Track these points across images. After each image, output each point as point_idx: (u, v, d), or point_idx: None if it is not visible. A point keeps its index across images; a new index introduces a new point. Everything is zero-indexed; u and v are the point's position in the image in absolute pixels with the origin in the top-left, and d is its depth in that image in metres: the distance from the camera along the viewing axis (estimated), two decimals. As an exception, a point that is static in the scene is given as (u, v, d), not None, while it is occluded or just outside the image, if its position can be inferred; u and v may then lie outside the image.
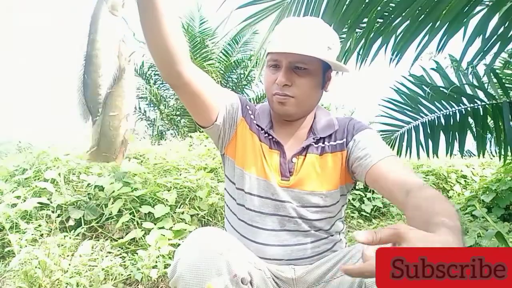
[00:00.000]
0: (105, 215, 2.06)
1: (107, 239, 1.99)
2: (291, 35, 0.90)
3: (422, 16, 1.56)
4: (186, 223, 2.07)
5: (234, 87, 8.07)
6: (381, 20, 1.77)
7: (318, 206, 0.96)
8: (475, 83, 2.25)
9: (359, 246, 0.89)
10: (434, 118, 2.39)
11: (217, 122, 0.94)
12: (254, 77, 7.81)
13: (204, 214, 2.24)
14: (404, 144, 2.62)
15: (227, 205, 1.05)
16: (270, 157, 0.96)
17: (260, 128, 0.99)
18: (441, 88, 2.20)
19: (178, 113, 7.76)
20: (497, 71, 2.33)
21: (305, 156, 0.96)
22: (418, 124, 2.49)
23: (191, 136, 4.25)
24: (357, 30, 1.95)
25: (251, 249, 0.94)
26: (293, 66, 0.90)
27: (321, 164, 0.95)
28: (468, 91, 2.21)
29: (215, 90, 0.95)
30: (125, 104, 0.68)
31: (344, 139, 0.96)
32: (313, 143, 0.96)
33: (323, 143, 0.97)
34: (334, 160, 0.96)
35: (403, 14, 1.64)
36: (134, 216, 2.05)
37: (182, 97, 0.91)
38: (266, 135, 0.98)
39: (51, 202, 2.04)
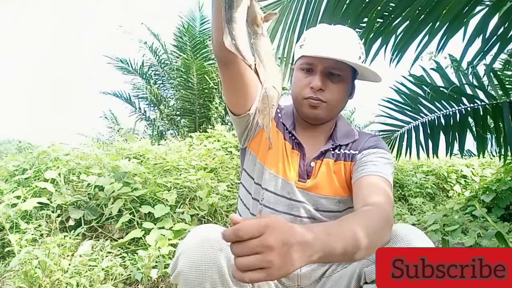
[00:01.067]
0: (105, 215, 2.06)
1: (107, 239, 1.99)
2: (327, 41, 0.92)
3: (422, 16, 1.56)
4: (186, 223, 2.07)
5: (234, 87, 8.05)
6: (381, 20, 1.77)
7: (332, 211, 0.97)
8: (475, 83, 2.25)
9: None
10: (434, 118, 2.39)
11: (250, 111, 0.95)
12: (254, 77, 7.79)
13: (204, 214, 2.24)
14: (404, 144, 2.62)
15: (240, 199, 1.06)
16: (291, 157, 0.97)
17: (285, 127, 1.00)
18: (441, 88, 2.20)
19: (178, 113, 7.75)
20: (497, 71, 2.33)
21: (322, 160, 0.97)
22: (418, 124, 2.48)
23: (191, 136, 4.24)
24: (357, 30, 1.94)
25: None
26: (327, 72, 0.91)
27: (335, 170, 0.97)
28: (468, 91, 2.21)
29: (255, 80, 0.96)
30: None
31: (357, 151, 0.98)
32: (331, 149, 0.98)
33: (339, 150, 0.98)
34: (346, 168, 0.97)
35: (403, 14, 1.64)
36: (134, 216, 2.05)
37: (226, 76, 0.89)
38: (290, 135, 0.99)
39: (51, 202, 2.04)
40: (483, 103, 2.18)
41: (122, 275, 1.68)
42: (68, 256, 1.77)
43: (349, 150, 0.98)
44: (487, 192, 2.84)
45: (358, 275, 0.83)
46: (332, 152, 0.98)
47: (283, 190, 0.96)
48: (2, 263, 1.81)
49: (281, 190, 0.96)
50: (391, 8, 1.71)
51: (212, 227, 0.81)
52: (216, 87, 7.02)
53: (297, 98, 0.96)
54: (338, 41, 0.92)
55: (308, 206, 0.96)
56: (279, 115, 1.02)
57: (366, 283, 0.81)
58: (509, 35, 1.47)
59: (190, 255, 0.73)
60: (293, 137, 0.99)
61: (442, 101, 2.27)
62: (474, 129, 2.30)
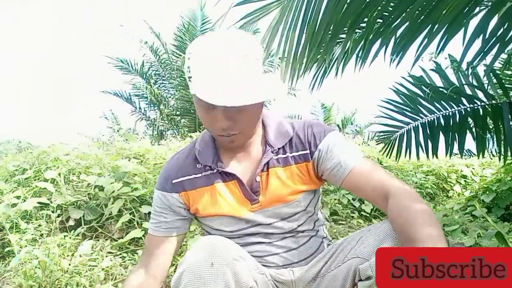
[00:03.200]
0: (105, 215, 2.06)
1: (107, 239, 1.99)
2: (219, 81, 0.75)
3: (422, 17, 1.56)
4: (186, 223, 2.07)
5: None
6: (381, 21, 1.77)
7: (296, 213, 0.95)
8: (475, 83, 2.25)
9: (348, 240, 0.91)
10: (434, 118, 2.39)
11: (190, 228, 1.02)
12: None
13: (204, 214, 2.24)
14: (404, 144, 2.62)
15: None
16: (229, 191, 0.92)
17: (207, 168, 0.93)
18: (441, 89, 2.20)
19: (178, 113, 7.76)
20: (497, 71, 2.33)
21: (268, 171, 0.92)
22: (418, 124, 2.48)
23: (191, 136, 4.25)
24: (356, 30, 1.95)
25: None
26: (229, 108, 0.78)
27: (286, 175, 0.92)
28: (468, 91, 2.21)
29: (174, 241, 0.99)
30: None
31: (307, 150, 0.92)
32: (273, 157, 0.92)
33: (284, 153, 0.93)
34: (299, 171, 0.93)
35: (403, 15, 1.64)
36: (134, 216, 2.05)
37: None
38: (215, 171, 0.93)
39: (51, 202, 2.04)
40: (483, 103, 2.18)
41: (122, 275, 1.68)
42: (68, 256, 1.77)
43: (297, 152, 0.93)
44: (487, 192, 2.84)
45: (353, 273, 0.83)
46: (276, 158, 0.92)
47: (239, 224, 0.93)
48: (2, 263, 1.81)
49: (238, 225, 0.93)
50: (391, 9, 1.71)
51: (217, 240, 0.79)
52: (216, 87, 7.01)
53: (211, 133, 0.91)
54: (229, 77, 0.75)
55: (274, 223, 0.93)
56: (190, 176, 0.94)
57: (360, 280, 0.81)
58: (509, 36, 1.48)
59: (196, 271, 0.71)
60: (220, 171, 0.92)
61: (442, 101, 2.27)
62: (474, 129, 2.30)
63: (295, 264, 0.96)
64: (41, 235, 1.86)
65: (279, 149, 0.93)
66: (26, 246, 1.72)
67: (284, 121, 0.97)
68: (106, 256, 1.80)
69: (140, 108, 8.21)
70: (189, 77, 0.80)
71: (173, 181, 0.94)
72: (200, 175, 0.94)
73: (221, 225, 0.94)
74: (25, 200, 2.04)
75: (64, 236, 1.89)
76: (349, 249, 0.87)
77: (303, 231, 0.98)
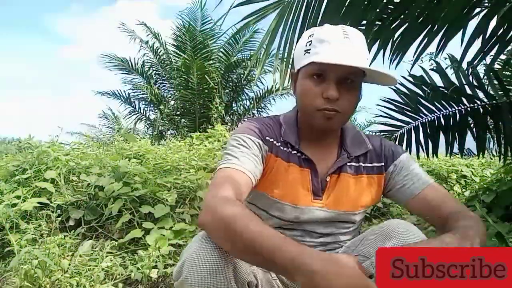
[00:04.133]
0: (105, 215, 2.07)
1: (107, 239, 1.99)
2: (339, 45, 0.83)
3: (422, 17, 1.57)
4: (186, 223, 2.07)
5: (234, 87, 8.07)
6: (381, 21, 1.77)
7: (346, 222, 0.95)
8: (475, 83, 2.25)
9: (353, 241, 0.93)
10: (434, 118, 2.39)
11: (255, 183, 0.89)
12: (254, 77, 7.81)
13: (204, 214, 2.24)
14: (404, 144, 2.62)
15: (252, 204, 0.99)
16: (301, 176, 0.92)
17: (288, 146, 0.93)
18: (441, 89, 2.20)
19: (178, 113, 7.76)
20: (497, 72, 2.33)
21: (339, 175, 0.93)
22: (418, 124, 2.48)
23: (191, 136, 4.25)
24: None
25: None
26: (341, 79, 0.83)
27: (355, 184, 0.93)
28: (468, 91, 2.21)
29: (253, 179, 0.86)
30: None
31: (383, 164, 0.95)
32: (347, 162, 0.93)
33: (357, 162, 0.94)
34: (369, 182, 0.94)
35: (403, 15, 1.64)
36: (134, 216, 2.05)
37: None
38: (295, 152, 0.93)
39: (51, 202, 2.04)
40: (483, 103, 2.18)
41: (122, 275, 1.68)
42: (68, 256, 1.77)
43: (370, 163, 0.94)
44: (487, 192, 2.83)
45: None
46: (349, 165, 0.93)
47: (291, 215, 0.91)
48: (2, 263, 1.81)
49: (290, 216, 0.92)
50: (391, 9, 1.71)
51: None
52: (216, 87, 7.02)
53: (308, 110, 0.87)
54: (350, 45, 0.84)
55: (322, 224, 0.93)
56: (275, 143, 0.93)
57: None
58: (509, 36, 1.48)
59: (196, 262, 0.71)
60: (299, 154, 0.92)
61: (442, 101, 2.27)
62: (474, 129, 2.30)
63: None
64: (41, 235, 1.86)
65: (355, 157, 0.94)
66: (26, 246, 1.72)
67: (361, 132, 0.99)
68: (106, 256, 1.80)
69: (140, 108, 8.22)
70: (307, 50, 0.85)
71: (266, 138, 0.91)
72: (282, 148, 0.93)
73: (276, 210, 0.92)
74: (25, 200, 2.04)
75: (64, 236, 1.89)
76: (352, 249, 0.89)
77: (338, 240, 0.96)
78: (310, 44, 0.86)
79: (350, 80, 0.84)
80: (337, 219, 0.93)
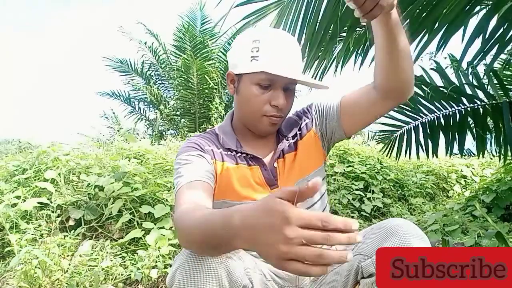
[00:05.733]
0: (105, 215, 2.06)
1: (107, 239, 1.99)
2: (288, 57, 0.89)
3: (422, 16, 1.56)
4: (186, 223, 2.07)
5: (234, 87, 8.06)
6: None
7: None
8: (475, 83, 2.25)
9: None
10: (434, 118, 2.39)
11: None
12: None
13: (204, 214, 2.25)
14: (404, 144, 2.62)
15: None
16: (252, 174, 0.95)
17: (231, 151, 0.96)
18: (441, 88, 2.20)
19: (178, 113, 7.76)
20: (497, 71, 2.33)
21: (284, 157, 0.98)
22: (418, 124, 2.48)
23: (191, 136, 4.24)
24: (357, 29, 1.95)
25: (252, 253, 0.93)
26: (285, 87, 0.90)
27: (299, 155, 0.98)
28: (468, 91, 2.21)
29: (208, 187, 0.87)
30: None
31: (306, 120, 1.01)
32: (286, 145, 0.99)
33: (294, 138, 1.00)
34: (308, 143, 0.99)
35: (403, 14, 1.64)
36: (134, 216, 2.05)
37: None
38: (239, 154, 0.96)
39: (51, 202, 2.04)
40: (483, 103, 2.18)
41: (122, 275, 1.68)
42: (68, 256, 1.78)
43: (301, 129, 1.01)
44: (487, 192, 2.84)
45: (355, 271, 0.84)
46: (288, 144, 0.99)
47: None
48: (2, 263, 1.81)
49: None
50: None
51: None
52: (216, 87, 7.02)
53: (254, 116, 0.92)
54: (294, 55, 0.91)
55: None
56: (216, 149, 0.95)
57: (363, 277, 0.82)
58: (509, 36, 1.48)
59: (188, 268, 0.71)
60: (245, 155, 0.96)
61: (442, 101, 2.27)
62: (474, 129, 2.30)
63: None
64: (41, 235, 1.86)
65: (291, 137, 1.00)
66: (26, 246, 1.72)
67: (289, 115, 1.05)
68: (106, 256, 1.80)
69: (140, 108, 8.22)
70: (254, 57, 0.88)
71: (205, 148, 0.94)
72: (226, 153, 0.96)
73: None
74: (25, 200, 2.04)
75: (64, 236, 1.90)
76: (352, 247, 0.89)
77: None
78: (257, 51, 0.88)
79: (291, 88, 0.92)
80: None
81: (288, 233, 0.46)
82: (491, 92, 2.20)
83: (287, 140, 0.99)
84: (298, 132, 1.01)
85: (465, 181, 4.30)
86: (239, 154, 0.96)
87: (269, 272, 0.93)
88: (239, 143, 0.97)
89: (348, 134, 1.00)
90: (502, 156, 2.30)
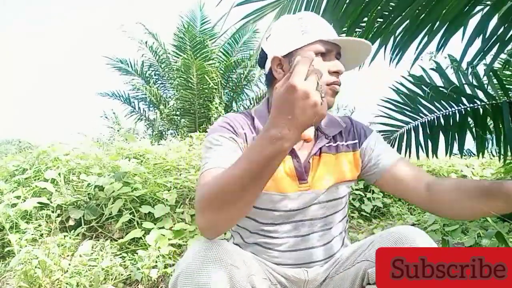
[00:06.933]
0: (105, 215, 2.06)
1: (107, 239, 1.99)
2: (331, 28, 0.92)
3: (422, 16, 1.56)
4: (186, 223, 2.07)
5: (234, 87, 8.07)
6: (381, 20, 1.77)
7: (333, 199, 0.95)
8: (475, 83, 2.25)
9: (360, 244, 0.92)
10: (434, 118, 2.39)
11: None
12: (254, 77, 7.81)
13: (204, 214, 2.24)
14: (404, 144, 2.62)
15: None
16: (283, 164, 0.90)
17: None
18: (441, 88, 2.20)
19: (178, 113, 7.75)
20: (497, 71, 2.33)
21: (320, 155, 0.94)
22: (418, 124, 2.48)
23: (191, 136, 4.25)
24: (356, 29, 1.95)
25: (263, 256, 0.93)
26: (336, 55, 0.90)
27: (336, 161, 0.95)
28: (468, 91, 2.21)
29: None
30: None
31: (357, 140, 0.98)
32: (326, 143, 0.95)
33: (335, 142, 0.97)
34: (347, 160, 0.97)
35: (403, 13, 1.64)
36: (134, 216, 2.05)
37: None
38: None
39: (51, 202, 2.04)
40: (483, 103, 2.17)
41: (122, 275, 1.68)
42: (68, 256, 1.78)
43: (346, 141, 0.98)
44: (487, 192, 2.83)
45: (361, 276, 0.83)
46: (328, 145, 0.95)
47: (280, 204, 0.90)
48: (2, 263, 1.81)
49: (278, 205, 0.90)
50: (391, 8, 1.71)
51: (214, 243, 0.76)
52: (216, 87, 7.02)
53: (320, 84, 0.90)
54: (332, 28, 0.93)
55: (311, 207, 0.92)
56: (251, 133, 0.92)
57: (369, 284, 0.82)
58: (509, 35, 1.47)
59: (190, 274, 0.70)
60: None
61: (442, 101, 2.27)
62: (474, 129, 2.29)
63: (312, 264, 0.95)
64: (41, 235, 1.86)
65: (333, 137, 0.96)
66: (26, 246, 1.72)
67: (330, 114, 1.01)
68: (106, 256, 1.80)
69: (139, 108, 8.21)
70: (304, 31, 0.88)
71: (238, 131, 0.90)
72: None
73: (266, 203, 0.90)
74: (25, 200, 2.04)
75: (64, 236, 1.90)
76: (359, 253, 0.89)
77: (330, 227, 0.96)
78: (304, 26, 0.89)
79: (339, 57, 0.91)
80: (324, 199, 0.93)
81: (313, 99, 0.59)
82: (491, 92, 2.20)
83: (327, 138, 0.95)
84: (341, 142, 0.97)
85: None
86: None
87: (277, 275, 0.93)
88: None
89: (373, 185, 1.00)
90: (502, 156, 2.30)
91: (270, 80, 0.95)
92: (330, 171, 0.94)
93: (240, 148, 0.88)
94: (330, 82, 0.87)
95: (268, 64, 0.94)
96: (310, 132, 0.65)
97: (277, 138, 0.61)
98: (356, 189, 3.35)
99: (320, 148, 0.94)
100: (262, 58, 0.96)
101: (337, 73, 0.88)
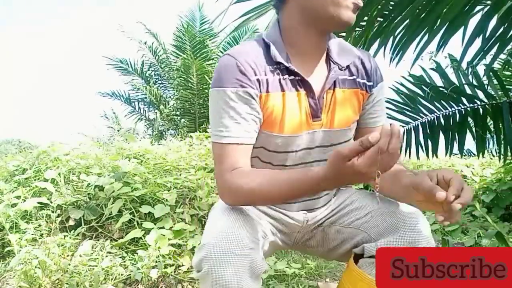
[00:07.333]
0: (105, 215, 2.06)
1: (107, 239, 1.99)
2: None
3: (422, 16, 1.56)
4: (186, 223, 2.07)
5: (234, 87, 8.06)
6: (381, 19, 1.77)
7: (346, 141, 0.91)
8: (475, 83, 2.25)
9: (355, 205, 0.96)
10: (434, 118, 2.39)
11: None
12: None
13: (204, 214, 2.24)
14: (404, 144, 2.62)
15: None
16: (298, 101, 0.85)
17: (279, 69, 0.84)
18: (441, 88, 2.20)
19: (178, 113, 7.76)
20: (497, 71, 2.33)
21: (334, 90, 0.87)
22: (418, 124, 2.48)
23: (191, 136, 4.24)
24: (356, 29, 1.94)
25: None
26: None
27: (347, 99, 0.89)
28: (468, 91, 2.21)
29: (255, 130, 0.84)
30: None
31: (371, 83, 0.92)
32: (340, 76, 0.88)
33: (351, 75, 0.90)
34: (358, 97, 0.91)
35: (403, 13, 1.64)
36: (134, 216, 2.05)
37: None
38: (286, 76, 0.84)
39: (51, 202, 2.04)
40: (483, 103, 2.17)
41: (122, 275, 1.68)
42: (68, 256, 1.77)
43: (362, 79, 0.91)
44: (487, 192, 2.84)
45: (354, 242, 0.89)
46: (342, 78, 0.88)
47: (292, 146, 0.87)
48: (2, 263, 1.81)
49: (291, 146, 0.87)
50: (391, 7, 1.71)
51: (233, 218, 0.79)
52: (216, 87, 7.02)
53: (340, 9, 0.80)
54: None
55: (322, 149, 0.89)
56: (265, 75, 0.83)
57: (362, 256, 0.85)
58: (509, 35, 1.47)
59: (214, 258, 0.72)
60: (292, 77, 0.84)
61: (442, 101, 2.27)
62: (474, 129, 2.29)
63: (311, 211, 0.96)
64: (41, 235, 1.86)
65: (345, 68, 0.89)
66: (26, 246, 1.72)
67: (342, 40, 0.94)
68: (106, 256, 1.80)
69: (139, 108, 8.22)
70: None
71: (251, 78, 0.81)
72: (272, 78, 0.83)
73: (277, 146, 0.87)
74: (25, 200, 2.04)
75: (64, 236, 1.90)
76: (356, 217, 0.92)
77: None
78: None
79: None
80: (335, 142, 0.90)
81: (360, 169, 0.63)
82: (491, 92, 2.20)
83: (341, 69, 0.88)
84: (357, 78, 0.90)
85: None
86: (286, 76, 0.84)
87: (278, 225, 0.96)
88: (289, 58, 0.85)
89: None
90: (502, 156, 2.30)
91: None
92: (341, 111, 0.88)
93: (256, 101, 0.81)
94: (354, 1, 0.80)
95: None
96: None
97: (325, 188, 0.77)
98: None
99: (334, 82, 0.87)
100: None
101: None
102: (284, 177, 0.75)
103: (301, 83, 0.85)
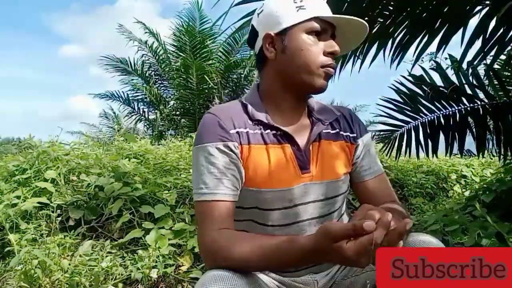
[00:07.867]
0: (105, 215, 2.07)
1: (107, 239, 1.99)
2: (327, 6, 0.85)
3: (423, 16, 1.57)
4: (186, 223, 2.07)
5: (234, 87, 8.08)
6: (381, 20, 1.77)
7: (339, 194, 0.90)
8: (475, 83, 2.25)
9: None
10: (434, 118, 2.39)
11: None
12: (254, 77, 7.81)
13: (204, 214, 2.24)
14: (404, 144, 2.62)
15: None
16: (284, 154, 0.84)
17: (259, 126, 0.84)
18: (441, 88, 2.20)
19: (178, 113, 7.76)
20: (497, 71, 2.33)
21: (319, 142, 0.88)
22: (418, 124, 2.48)
23: (191, 136, 4.25)
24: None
25: None
26: (332, 35, 0.85)
27: (335, 150, 0.89)
28: (468, 91, 2.21)
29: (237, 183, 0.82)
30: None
31: (355, 134, 0.93)
32: (323, 130, 0.89)
33: (333, 129, 0.91)
34: (344, 149, 0.91)
35: (404, 14, 1.64)
36: (134, 216, 2.05)
37: None
38: (269, 130, 0.85)
39: (51, 202, 2.04)
40: (483, 103, 2.18)
41: (122, 275, 1.68)
42: (68, 256, 1.78)
43: (345, 131, 0.92)
44: (487, 192, 2.83)
45: (371, 286, 0.83)
46: (326, 132, 0.89)
47: (284, 201, 0.84)
48: (2, 263, 1.81)
49: (283, 202, 0.84)
50: (391, 8, 1.71)
51: (223, 275, 0.71)
52: (216, 87, 7.03)
53: (310, 68, 0.81)
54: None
55: (316, 202, 0.87)
56: (244, 129, 0.83)
57: None
58: (509, 36, 1.48)
59: None
60: (274, 132, 0.85)
61: (442, 101, 2.27)
62: (474, 129, 2.30)
63: (319, 272, 0.91)
64: (41, 235, 1.86)
65: (328, 123, 0.90)
66: (26, 246, 1.72)
67: (322, 102, 0.96)
68: (106, 256, 1.80)
69: (139, 108, 8.22)
70: (300, 7, 0.82)
71: (231, 131, 0.81)
72: (253, 131, 0.84)
73: (269, 203, 0.84)
74: (25, 200, 2.04)
75: (64, 236, 1.90)
76: None
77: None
78: (299, 1, 0.83)
79: (334, 37, 0.85)
80: (329, 195, 0.88)
81: (348, 255, 0.58)
82: (491, 92, 2.21)
83: (324, 124, 0.89)
84: (340, 131, 0.92)
85: (465, 181, 4.30)
86: (267, 130, 0.85)
87: (286, 283, 0.89)
88: (269, 116, 0.85)
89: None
90: (502, 156, 2.30)
91: (261, 59, 0.88)
92: (330, 162, 0.88)
93: (237, 155, 0.81)
94: (325, 64, 0.82)
95: (259, 43, 0.87)
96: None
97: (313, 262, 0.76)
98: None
99: (319, 134, 0.88)
100: (252, 36, 0.89)
101: (332, 54, 0.82)
102: (273, 246, 0.69)
103: (284, 136, 0.85)
